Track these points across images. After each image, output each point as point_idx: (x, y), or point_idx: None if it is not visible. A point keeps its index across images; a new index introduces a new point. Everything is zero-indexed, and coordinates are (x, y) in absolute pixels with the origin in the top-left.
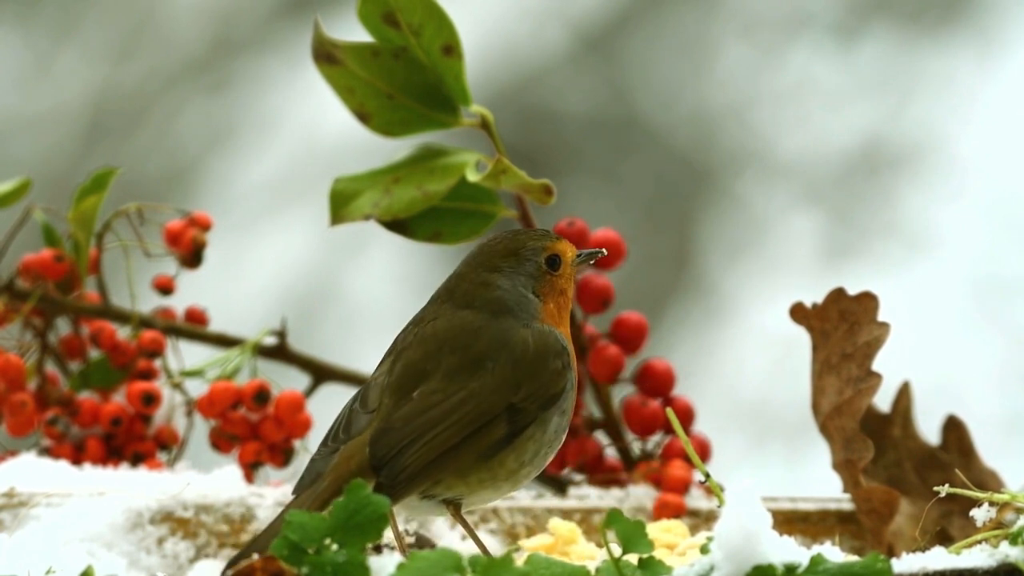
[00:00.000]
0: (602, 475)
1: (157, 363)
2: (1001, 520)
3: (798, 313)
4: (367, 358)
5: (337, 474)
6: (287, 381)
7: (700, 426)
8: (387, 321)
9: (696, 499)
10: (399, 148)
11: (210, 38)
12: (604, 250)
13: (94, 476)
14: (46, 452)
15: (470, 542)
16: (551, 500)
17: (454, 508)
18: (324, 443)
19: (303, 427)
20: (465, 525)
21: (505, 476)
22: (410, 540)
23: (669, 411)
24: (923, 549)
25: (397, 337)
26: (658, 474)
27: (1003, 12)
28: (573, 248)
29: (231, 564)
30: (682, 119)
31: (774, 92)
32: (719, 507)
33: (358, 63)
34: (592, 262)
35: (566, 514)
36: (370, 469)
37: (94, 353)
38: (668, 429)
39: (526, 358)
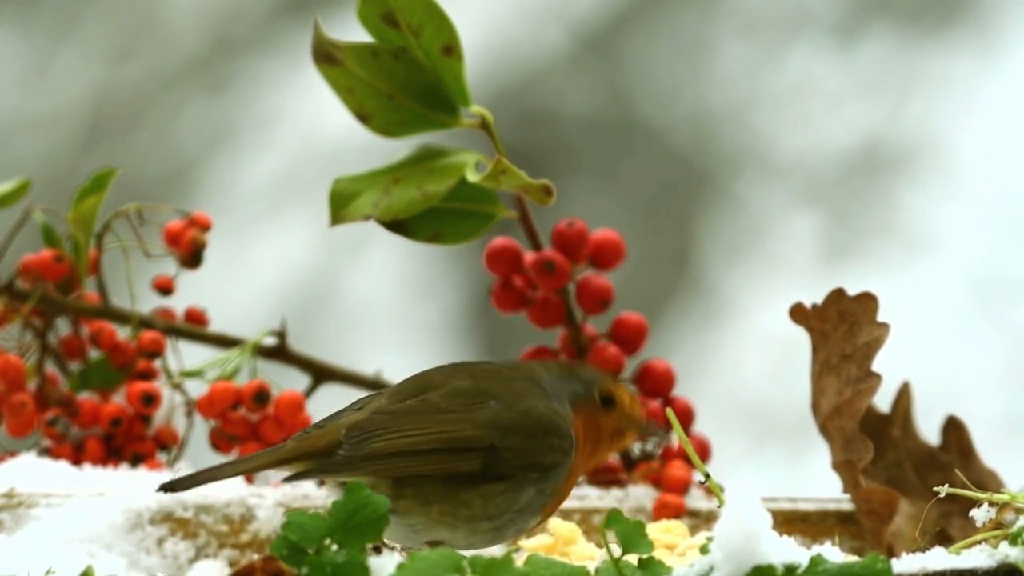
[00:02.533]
0: (602, 475)
1: (157, 363)
2: (1001, 520)
3: (798, 314)
4: (367, 358)
5: (303, 443)
6: (287, 381)
7: (700, 426)
8: (387, 321)
9: (696, 499)
10: (399, 148)
11: (210, 38)
12: (672, 438)
13: (94, 476)
14: (46, 452)
15: None
16: None
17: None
18: (305, 430)
19: (303, 427)
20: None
21: (465, 519)
22: None
23: (669, 411)
24: (923, 549)
25: None
26: (658, 474)
27: (1003, 12)
28: (638, 412)
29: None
30: (682, 119)
31: (774, 92)
32: (719, 507)
33: (358, 63)
34: (656, 442)
35: (566, 514)
36: (337, 449)
37: (94, 353)
38: (668, 429)
39: (529, 419)
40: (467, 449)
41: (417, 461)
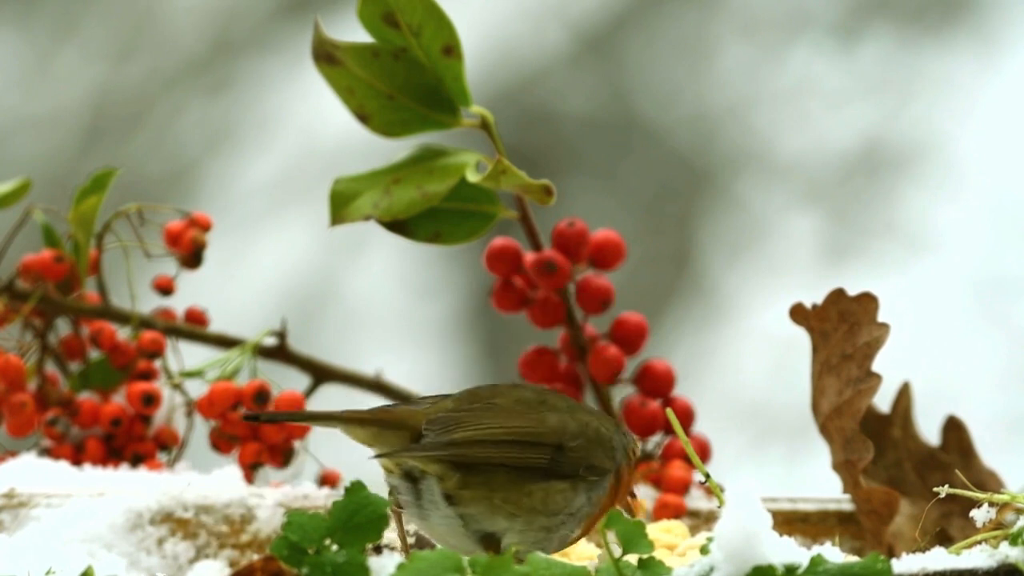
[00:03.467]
0: None
1: (157, 364)
2: (1001, 521)
3: (798, 314)
4: (367, 358)
5: (383, 412)
6: (287, 382)
7: (700, 426)
8: (387, 321)
9: (696, 500)
10: (399, 148)
11: (210, 38)
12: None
13: (94, 476)
14: (46, 452)
15: None
16: None
17: (495, 547)
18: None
19: (303, 428)
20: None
21: (527, 509)
22: (411, 540)
23: (669, 412)
24: (923, 550)
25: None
26: (658, 474)
27: (1003, 12)
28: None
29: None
30: (682, 119)
31: (774, 92)
32: (719, 508)
33: (358, 64)
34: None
35: None
36: (413, 433)
37: (94, 353)
38: (668, 429)
39: (589, 428)
40: (538, 444)
41: (494, 449)
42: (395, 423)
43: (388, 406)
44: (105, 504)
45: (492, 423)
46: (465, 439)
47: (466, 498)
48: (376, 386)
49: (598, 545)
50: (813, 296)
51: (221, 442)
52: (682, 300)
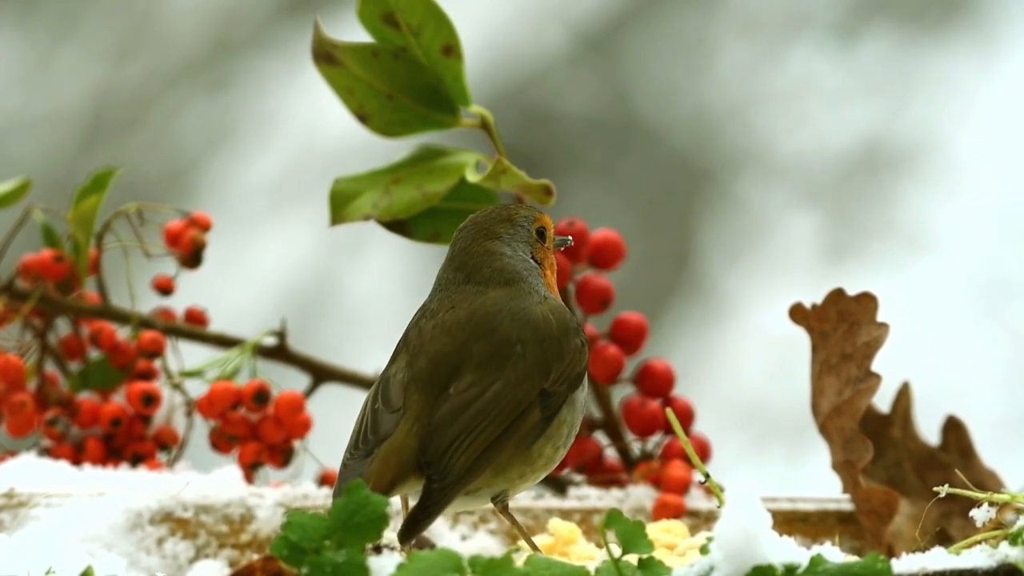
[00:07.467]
0: (602, 475)
1: (157, 363)
2: (1001, 520)
3: (797, 314)
4: (367, 358)
5: (378, 479)
6: (287, 381)
7: (700, 426)
8: (387, 321)
9: (696, 499)
10: (399, 148)
11: (210, 38)
12: (570, 238)
13: (94, 476)
14: (46, 452)
15: (470, 542)
16: (551, 500)
17: (502, 507)
18: (355, 446)
19: (303, 427)
20: (514, 522)
21: (543, 464)
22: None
23: (669, 411)
24: (923, 549)
25: (409, 331)
26: (658, 474)
27: (1003, 12)
28: (551, 225)
29: None
30: (682, 119)
31: (774, 92)
32: (719, 507)
33: (358, 63)
34: (561, 248)
35: (566, 514)
36: (415, 470)
37: (94, 353)
38: (668, 429)
39: (551, 337)
40: (526, 409)
41: (495, 452)
42: (401, 468)
43: (362, 448)
44: (105, 504)
45: (481, 423)
46: (466, 465)
47: (485, 484)
48: None
49: (598, 545)
50: (813, 296)
51: (221, 442)
52: (682, 300)
